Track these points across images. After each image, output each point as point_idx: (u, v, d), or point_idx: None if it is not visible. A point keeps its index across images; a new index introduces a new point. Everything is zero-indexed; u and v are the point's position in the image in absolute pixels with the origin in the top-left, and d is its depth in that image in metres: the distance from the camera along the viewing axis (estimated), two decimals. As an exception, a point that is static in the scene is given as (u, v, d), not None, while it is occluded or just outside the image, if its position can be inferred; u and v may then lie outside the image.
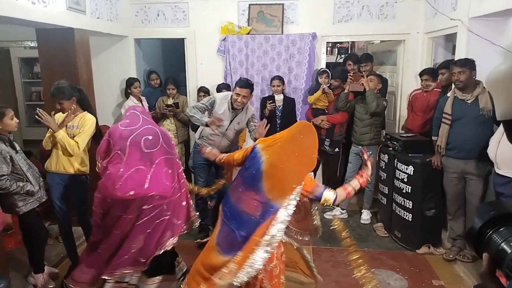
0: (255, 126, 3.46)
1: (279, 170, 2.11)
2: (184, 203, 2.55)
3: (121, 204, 2.27)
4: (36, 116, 2.85)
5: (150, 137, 2.38)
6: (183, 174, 2.59)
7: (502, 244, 0.76)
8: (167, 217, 2.40)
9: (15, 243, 3.30)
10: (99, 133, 3.05)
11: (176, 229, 2.48)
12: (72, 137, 2.94)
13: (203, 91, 4.55)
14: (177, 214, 2.48)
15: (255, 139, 3.47)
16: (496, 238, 0.78)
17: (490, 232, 0.80)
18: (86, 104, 3.09)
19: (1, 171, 2.53)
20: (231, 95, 3.39)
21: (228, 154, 2.58)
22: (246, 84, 3.34)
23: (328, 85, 4.33)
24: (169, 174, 2.40)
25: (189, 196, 2.63)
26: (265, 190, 2.08)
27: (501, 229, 0.79)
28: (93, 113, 3.10)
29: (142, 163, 2.32)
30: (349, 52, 6.66)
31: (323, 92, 4.28)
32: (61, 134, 2.86)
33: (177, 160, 2.56)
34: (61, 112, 3.00)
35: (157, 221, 2.35)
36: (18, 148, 2.79)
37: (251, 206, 2.11)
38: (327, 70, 4.44)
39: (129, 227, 2.31)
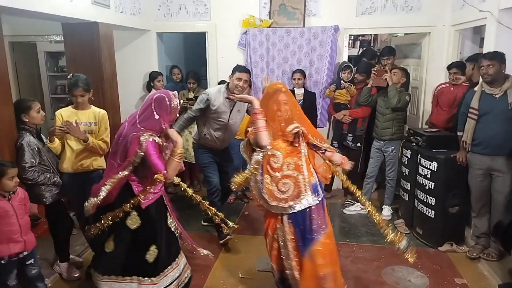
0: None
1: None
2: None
3: None
4: (59, 130, 2.75)
5: (116, 136, 2.38)
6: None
7: None
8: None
9: (42, 232, 3.40)
10: None
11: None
12: (90, 133, 2.91)
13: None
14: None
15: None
16: None
17: None
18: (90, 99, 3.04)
19: (30, 162, 2.62)
20: (226, 86, 3.39)
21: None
22: (245, 68, 3.42)
23: (350, 79, 4.27)
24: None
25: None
26: None
27: None
28: (99, 106, 3.08)
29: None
30: (371, 45, 6.56)
31: (342, 87, 4.23)
32: (91, 140, 2.86)
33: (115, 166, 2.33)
34: (67, 107, 2.96)
35: None
36: (44, 140, 2.87)
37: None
38: (350, 65, 4.38)
39: None
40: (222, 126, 3.41)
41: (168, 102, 2.28)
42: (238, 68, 3.37)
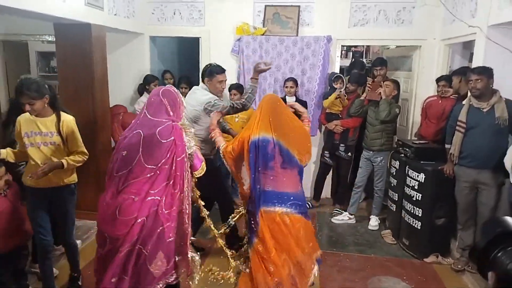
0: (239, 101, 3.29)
1: (294, 138, 2.31)
2: (170, 239, 1.98)
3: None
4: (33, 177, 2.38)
5: (124, 153, 1.92)
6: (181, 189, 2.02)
7: (511, 264, 0.74)
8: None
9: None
10: None
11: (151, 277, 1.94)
12: (52, 144, 2.51)
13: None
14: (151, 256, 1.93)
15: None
16: (503, 258, 0.76)
17: (496, 251, 0.77)
18: (58, 104, 2.57)
19: None
20: (218, 88, 3.24)
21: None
22: (223, 68, 3.29)
23: (344, 88, 4.31)
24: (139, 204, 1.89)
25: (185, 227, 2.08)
26: (298, 160, 2.30)
27: (508, 248, 0.76)
28: (68, 112, 2.65)
29: (109, 192, 1.95)
30: (363, 56, 6.64)
31: (337, 97, 4.25)
32: (67, 163, 2.50)
33: (167, 166, 1.94)
34: (28, 113, 2.45)
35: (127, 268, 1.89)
36: None
37: (294, 182, 2.29)
38: (341, 75, 4.42)
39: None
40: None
41: (176, 94, 2.13)
42: (215, 70, 3.20)
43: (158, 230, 1.91)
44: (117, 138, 3.86)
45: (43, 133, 2.48)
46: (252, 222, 2.28)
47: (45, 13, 3.01)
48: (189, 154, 2.03)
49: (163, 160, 1.91)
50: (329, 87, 4.51)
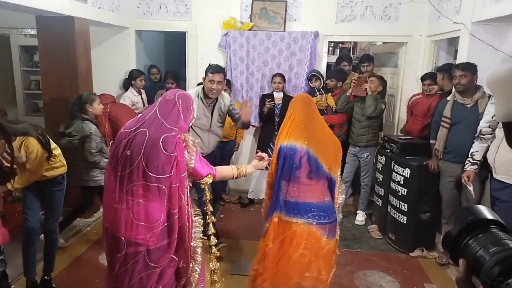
0: (237, 114, 3.31)
1: (325, 147, 2.24)
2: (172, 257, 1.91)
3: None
4: None
5: (129, 152, 1.82)
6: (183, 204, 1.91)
7: (480, 251, 0.75)
8: (155, 271, 1.86)
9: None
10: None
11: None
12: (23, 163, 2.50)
13: (203, 86, 4.53)
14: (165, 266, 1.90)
15: (243, 125, 3.36)
16: (474, 244, 0.77)
17: (467, 239, 0.78)
18: (15, 131, 2.42)
19: (97, 148, 3.11)
20: (202, 88, 3.20)
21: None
22: (219, 68, 3.14)
23: (322, 86, 4.32)
24: (148, 209, 1.82)
25: (189, 238, 1.95)
26: (327, 170, 2.20)
27: (479, 235, 0.77)
28: (27, 132, 2.47)
29: (113, 190, 1.86)
30: (351, 52, 6.66)
31: (316, 101, 4.25)
32: (19, 184, 2.54)
33: (174, 185, 1.85)
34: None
35: (138, 276, 1.85)
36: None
37: (320, 192, 2.21)
38: (315, 73, 4.37)
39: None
40: (204, 129, 3.24)
41: (191, 102, 2.01)
42: (210, 69, 3.12)
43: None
44: (103, 131, 3.80)
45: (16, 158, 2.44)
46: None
47: (27, 5, 2.92)
48: (189, 167, 1.94)
49: (167, 175, 1.81)
50: (309, 87, 4.48)
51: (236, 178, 2.22)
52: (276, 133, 4.23)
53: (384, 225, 3.83)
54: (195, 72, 4.80)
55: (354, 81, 4.02)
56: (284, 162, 2.17)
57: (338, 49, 6.73)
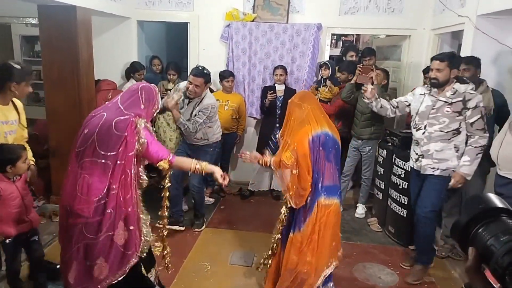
0: (193, 120, 3.34)
1: (337, 133, 2.47)
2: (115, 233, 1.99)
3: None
4: None
5: (86, 131, 1.99)
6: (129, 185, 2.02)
7: (491, 240, 0.75)
8: (94, 242, 1.96)
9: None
10: None
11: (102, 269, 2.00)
12: (13, 134, 2.52)
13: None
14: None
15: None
16: (484, 233, 0.77)
17: (477, 227, 0.78)
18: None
19: None
20: (186, 86, 3.32)
21: (275, 156, 2.46)
22: (201, 73, 3.23)
23: (329, 75, 4.29)
24: (90, 184, 1.94)
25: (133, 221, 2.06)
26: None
27: (489, 224, 0.77)
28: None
29: (72, 164, 2.03)
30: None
31: (324, 85, 4.23)
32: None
33: (119, 162, 1.97)
34: None
35: (77, 245, 1.98)
36: None
37: (337, 174, 2.44)
38: (327, 62, 4.39)
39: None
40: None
41: (155, 95, 2.17)
42: (193, 71, 3.28)
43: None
44: None
45: (2, 123, 2.45)
46: (302, 214, 2.38)
47: (28, -7, 2.91)
48: (140, 145, 2.03)
49: (113, 153, 1.95)
50: (319, 77, 4.49)
51: (193, 171, 2.29)
52: (277, 125, 4.25)
53: (384, 218, 3.84)
54: (196, 63, 4.74)
55: (359, 69, 3.96)
56: (323, 149, 2.32)
57: (341, 42, 6.69)
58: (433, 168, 2.88)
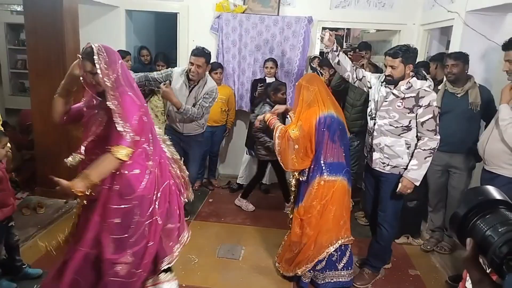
0: (198, 104, 3.29)
1: (342, 114, 2.75)
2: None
3: None
4: None
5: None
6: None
7: (488, 231, 0.75)
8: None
9: None
10: None
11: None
12: None
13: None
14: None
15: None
16: (482, 224, 0.77)
17: (475, 219, 0.78)
18: None
19: None
20: (188, 68, 3.25)
21: (283, 126, 2.74)
22: (202, 52, 3.19)
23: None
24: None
25: None
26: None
27: (487, 216, 0.77)
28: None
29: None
30: (343, 40, 6.62)
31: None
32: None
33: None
34: None
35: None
36: None
37: (344, 153, 2.67)
38: (317, 55, 4.39)
39: None
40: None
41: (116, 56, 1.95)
42: (194, 51, 3.21)
43: None
44: None
45: None
46: (303, 189, 2.66)
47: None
48: None
49: None
50: (310, 69, 4.48)
51: None
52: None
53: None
54: (186, 55, 4.68)
55: (350, 56, 3.95)
56: (328, 129, 2.54)
57: (332, 36, 6.68)
58: (383, 164, 2.70)
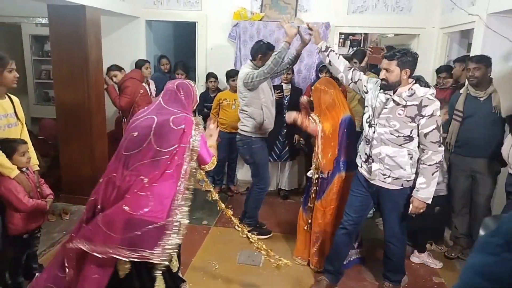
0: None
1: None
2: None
3: None
4: None
5: (135, 134, 1.99)
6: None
7: None
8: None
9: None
10: None
11: None
12: (13, 126, 2.47)
13: (212, 77, 4.53)
14: None
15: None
16: None
17: None
18: None
19: None
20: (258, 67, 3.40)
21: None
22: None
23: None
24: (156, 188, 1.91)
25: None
26: None
27: None
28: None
29: (114, 169, 1.98)
30: (361, 45, 6.58)
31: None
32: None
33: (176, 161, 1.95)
34: None
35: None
36: None
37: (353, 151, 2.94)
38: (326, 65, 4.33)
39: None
40: (271, 105, 3.49)
41: (192, 88, 2.18)
42: (270, 47, 3.53)
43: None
44: (119, 104, 4.01)
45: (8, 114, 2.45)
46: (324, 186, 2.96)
47: (38, -7, 2.94)
48: (193, 147, 2.02)
49: (175, 146, 1.95)
50: (316, 78, 4.44)
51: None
52: (284, 124, 4.23)
53: (392, 218, 3.80)
54: (204, 63, 4.79)
55: (370, 49, 3.93)
56: (347, 130, 2.85)
57: (349, 41, 6.66)
58: (384, 175, 2.49)
